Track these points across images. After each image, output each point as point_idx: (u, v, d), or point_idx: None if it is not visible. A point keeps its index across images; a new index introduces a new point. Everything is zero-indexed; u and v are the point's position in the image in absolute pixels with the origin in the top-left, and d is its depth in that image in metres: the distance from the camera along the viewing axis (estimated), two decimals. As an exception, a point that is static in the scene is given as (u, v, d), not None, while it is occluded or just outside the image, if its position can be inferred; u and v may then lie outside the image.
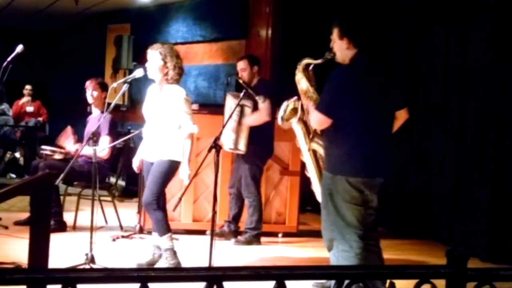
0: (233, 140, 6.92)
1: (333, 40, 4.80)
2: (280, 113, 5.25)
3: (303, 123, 5.17)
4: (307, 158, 5.24)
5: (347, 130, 4.60)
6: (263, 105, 7.05)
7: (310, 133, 5.15)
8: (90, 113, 7.72)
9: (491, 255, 6.97)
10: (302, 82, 5.16)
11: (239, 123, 6.93)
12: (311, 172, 5.26)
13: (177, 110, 5.78)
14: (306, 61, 5.10)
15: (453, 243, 7.37)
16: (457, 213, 7.56)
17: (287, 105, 5.22)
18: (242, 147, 7.01)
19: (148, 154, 5.96)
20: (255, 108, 7.01)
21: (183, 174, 5.81)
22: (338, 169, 4.65)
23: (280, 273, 2.17)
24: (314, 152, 5.18)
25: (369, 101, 4.65)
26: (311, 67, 5.08)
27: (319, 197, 5.25)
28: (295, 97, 5.22)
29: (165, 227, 5.83)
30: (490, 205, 7.12)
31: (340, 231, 4.65)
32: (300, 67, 5.12)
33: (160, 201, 5.82)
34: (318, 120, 4.67)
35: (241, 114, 6.94)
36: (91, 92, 7.51)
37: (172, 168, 5.82)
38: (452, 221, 7.64)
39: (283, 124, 5.26)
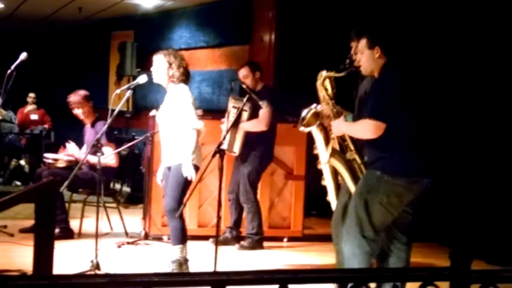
0: (227, 141, 6.89)
1: (360, 51, 4.75)
2: (303, 114, 5.20)
3: (324, 130, 5.14)
4: (325, 167, 5.22)
5: (404, 132, 4.57)
6: (263, 113, 7.07)
7: (329, 142, 5.11)
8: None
9: (497, 258, 6.96)
10: (321, 92, 5.15)
11: (236, 125, 6.91)
12: (328, 181, 5.23)
13: (182, 106, 5.76)
14: (326, 74, 5.09)
15: (458, 246, 7.36)
16: (462, 216, 7.55)
17: (309, 110, 5.19)
18: (236, 149, 7.02)
19: (164, 159, 5.95)
20: (253, 113, 7.02)
21: (185, 170, 5.68)
22: (396, 170, 4.60)
23: (283, 277, 2.17)
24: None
25: (417, 103, 4.67)
26: (320, 81, 5.09)
27: (334, 207, 5.24)
28: (315, 104, 5.20)
29: (180, 237, 5.79)
30: (495, 207, 7.12)
31: (361, 227, 4.66)
32: (320, 80, 5.12)
33: (179, 208, 5.75)
34: (374, 129, 4.53)
35: (238, 117, 6.91)
36: (81, 111, 7.55)
37: None
38: (457, 224, 7.63)
39: (303, 127, 5.22)
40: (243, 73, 7.38)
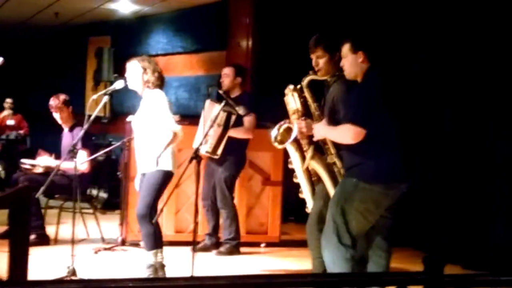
0: (212, 144, 6.88)
1: (344, 55, 4.77)
2: (274, 133, 5.24)
3: (297, 143, 5.17)
4: (302, 180, 5.25)
5: (382, 138, 4.58)
6: (249, 121, 7.10)
7: (304, 154, 5.15)
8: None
9: (473, 263, 6.99)
10: (291, 102, 5.18)
11: (225, 130, 6.90)
12: (306, 194, 5.27)
13: (159, 111, 5.75)
14: (310, 77, 5.12)
15: (434, 251, 7.40)
16: (438, 221, 7.59)
17: (280, 125, 5.23)
18: (219, 152, 7.02)
19: (139, 166, 5.93)
20: (238, 117, 7.03)
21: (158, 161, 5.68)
22: (372, 177, 4.61)
23: (256, 282, 2.18)
24: (308, 173, 5.19)
25: (397, 108, 4.69)
26: (305, 83, 5.12)
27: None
28: (287, 120, 5.25)
29: (153, 242, 5.74)
30: (470, 213, 7.16)
31: (338, 235, 4.67)
32: (292, 88, 5.16)
33: (153, 214, 5.73)
34: (354, 134, 4.52)
35: (228, 121, 6.92)
36: (59, 115, 7.56)
37: (164, 178, 5.73)
38: (433, 229, 7.67)
39: (277, 145, 5.26)
40: (226, 71, 7.43)
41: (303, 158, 5.17)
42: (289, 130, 5.18)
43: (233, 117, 6.93)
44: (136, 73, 5.86)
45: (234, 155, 7.18)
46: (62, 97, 7.66)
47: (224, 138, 6.95)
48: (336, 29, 6.65)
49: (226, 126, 6.71)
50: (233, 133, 7.04)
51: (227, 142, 7.04)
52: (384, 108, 4.60)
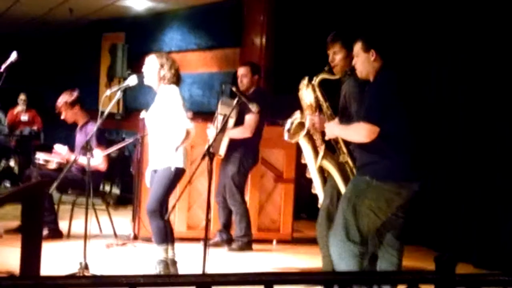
0: (214, 145, 6.92)
1: (356, 54, 4.77)
2: (287, 127, 5.25)
3: (310, 138, 5.17)
4: (314, 175, 5.24)
5: (395, 136, 4.58)
6: (248, 120, 7.08)
7: (317, 149, 5.14)
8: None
9: (485, 262, 6.98)
10: (306, 97, 5.18)
11: (221, 132, 6.93)
12: (318, 189, 5.27)
13: (172, 107, 5.76)
14: (322, 76, 5.12)
15: (445, 249, 7.38)
16: (450, 219, 7.57)
17: (294, 119, 5.23)
18: (222, 152, 7.05)
19: (152, 163, 5.94)
20: (239, 118, 7.04)
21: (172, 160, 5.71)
22: (385, 175, 4.60)
23: (268, 279, 2.18)
24: (321, 169, 5.18)
25: (410, 106, 4.68)
26: (316, 82, 5.12)
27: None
28: (298, 112, 5.25)
29: (163, 237, 5.77)
30: (482, 211, 7.14)
31: (347, 231, 4.67)
32: (306, 82, 5.16)
33: (163, 209, 5.77)
34: (368, 132, 4.51)
35: (225, 123, 6.94)
36: (64, 116, 7.56)
37: (176, 175, 5.76)
38: (444, 228, 7.65)
39: (289, 138, 5.27)
40: (242, 71, 7.40)
41: (316, 153, 5.16)
42: (302, 125, 5.18)
43: (231, 121, 6.92)
44: (153, 68, 5.88)
45: (237, 151, 7.19)
46: (65, 98, 7.56)
47: (221, 140, 6.96)
48: (351, 27, 6.64)
49: (222, 129, 6.74)
50: (232, 133, 7.04)
51: (233, 140, 7.06)
52: (397, 106, 4.59)
